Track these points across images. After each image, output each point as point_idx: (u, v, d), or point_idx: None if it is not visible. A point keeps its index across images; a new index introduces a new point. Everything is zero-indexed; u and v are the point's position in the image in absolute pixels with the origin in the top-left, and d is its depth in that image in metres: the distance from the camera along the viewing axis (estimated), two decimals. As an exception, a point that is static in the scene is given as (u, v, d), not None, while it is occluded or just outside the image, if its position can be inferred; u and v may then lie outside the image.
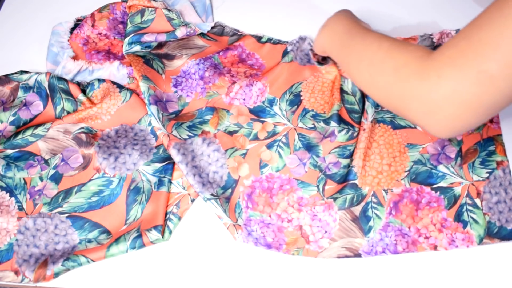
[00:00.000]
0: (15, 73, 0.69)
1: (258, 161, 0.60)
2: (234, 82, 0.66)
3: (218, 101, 0.65)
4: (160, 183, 0.60)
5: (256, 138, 0.62)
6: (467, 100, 0.36)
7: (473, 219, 0.54)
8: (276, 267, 0.55)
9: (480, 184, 0.56)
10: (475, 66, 0.35)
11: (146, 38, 0.68)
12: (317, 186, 0.58)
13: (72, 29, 0.74)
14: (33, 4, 0.81)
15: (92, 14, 0.74)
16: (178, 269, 0.56)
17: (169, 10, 0.71)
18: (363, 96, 0.62)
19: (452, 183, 0.56)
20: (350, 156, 0.59)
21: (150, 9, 0.70)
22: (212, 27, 0.71)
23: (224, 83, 0.66)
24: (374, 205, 0.57)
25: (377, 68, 0.43)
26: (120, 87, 0.67)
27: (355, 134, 0.59)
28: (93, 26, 0.74)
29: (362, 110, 0.62)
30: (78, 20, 0.75)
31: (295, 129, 0.62)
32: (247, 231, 0.56)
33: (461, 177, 0.57)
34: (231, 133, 0.63)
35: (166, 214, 0.59)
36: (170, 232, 0.58)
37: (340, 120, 0.60)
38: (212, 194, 0.58)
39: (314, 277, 0.54)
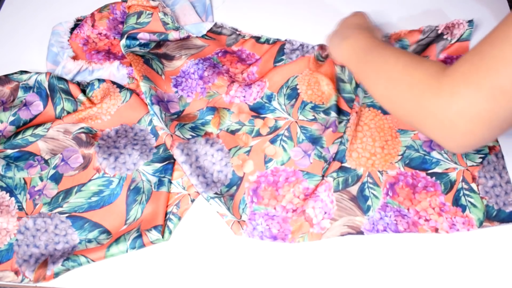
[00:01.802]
0: (15, 73, 0.69)
1: (263, 156, 0.61)
2: (233, 81, 0.66)
3: (218, 101, 0.65)
4: (160, 183, 0.60)
5: (258, 134, 0.63)
6: (481, 116, 0.37)
7: (471, 203, 0.55)
8: (276, 267, 0.55)
9: (474, 169, 0.57)
10: (488, 82, 0.36)
11: (141, 35, 0.68)
12: (322, 176, 0.58)
13: (72, 29, 0.74)
14: (33, 4, 0.81)
15: (92, 14, 0.74)
16: (178, 269, 0.56)
17: (165, 14, 0.71)
18: (357, 85, 0.64)
19: (446, 169, 0.58)
20: (347, 140, 0.60)
21: (147, 12, 0.71)
22: (210, 28, 0.71)
23: (224, 82, 0.66)
24: (371, 185, 0.58)
25: (393, 84, 0.45)
26: (120, 87, 0.67)
27: (348, 118, 0.61)
28: (93, 26, 0.74)
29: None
30: (78, 20, 0.75)
31: (296, 122, 0.62)
32: (252, 226, 0.57)
33: (455, 163, 0.58)
34: (233, 132, 0.63)
35: (166, 214, 0.59)
36: (170, 232, 0.58)
37: (339, 111, 0.62)
38: (216, 193, 0.58)
39: (313, 277, 0.54)
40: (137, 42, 0.69)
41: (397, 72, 0.45)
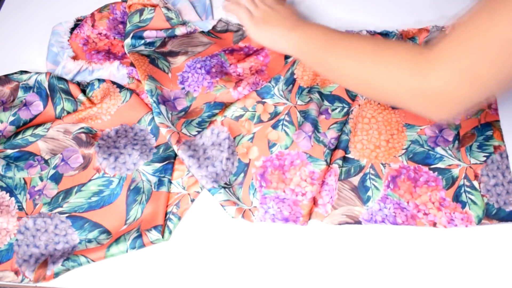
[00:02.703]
0: (15, 73, 0.69)
1: (266, 142, 0.62)
2: (241, 80, 0.66)
3: (226, 96, 0.65)
4: (160, 183, 0.60)
5: (260, 121, 0.63)
6: (459, 95, 0.39)
7: (472, 200, 0.55)
8: (276, 267, 0.55)
9: (477, 167, 0.57)
10: (466, 65, 0.38)
11: (147, 34, 0.68)
12: (325, 161, 0.59)
13: (72, 29, 0.74)
14: (33, 4, 0.81)
15: (92, 14, 0.74)
16: (178, 269, 0.56)
17: (168, 9, 0.71)
18: None
19: (449, 165, 0.58)
20: (350, 131, 0.61)
21: (149, 8, 0.71)
22: (215, 24, 0.71)
23: (231, 79, 0.66)
24: (372, 177, 0.58)
25: (370, 65, 0.45)
26: (120, 87, 0.67)
27: (351, 110, 0.62)
28: (93, 26, 0.74)
29: None
30: (78, 20, 0.75)
31: (295, 107, 0.63)
32: (263, 210, 0.57)
33: (459, 160, 0.58)
34: (237, 118, 0.63)
35: (166, 214, 0.59)
36: (170, 232, 0.58)
37: (335, 99, 0.63)
38: (226, 183, 0.59)
39: (314, 266, 0.54)
40: (143, 41, 0.68)
41: (372, 54, 0.45)
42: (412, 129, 0.61)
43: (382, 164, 0.59)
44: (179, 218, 0.59)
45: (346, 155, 0.60)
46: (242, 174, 0.60)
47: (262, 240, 0.57)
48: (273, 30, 0.59)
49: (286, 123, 0.62)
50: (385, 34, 0.67)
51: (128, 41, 0.68)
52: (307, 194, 0.57)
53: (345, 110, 0.62)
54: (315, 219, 0.57)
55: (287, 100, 0.64)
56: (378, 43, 0.46)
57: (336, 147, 0.60)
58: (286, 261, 0.56)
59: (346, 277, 0.54)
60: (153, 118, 0.64)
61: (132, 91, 0.66)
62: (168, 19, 0.70)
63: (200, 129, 0.63)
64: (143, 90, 0.67)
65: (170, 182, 0.60)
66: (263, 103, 0.64)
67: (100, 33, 0.74)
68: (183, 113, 0.65)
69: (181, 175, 0.61)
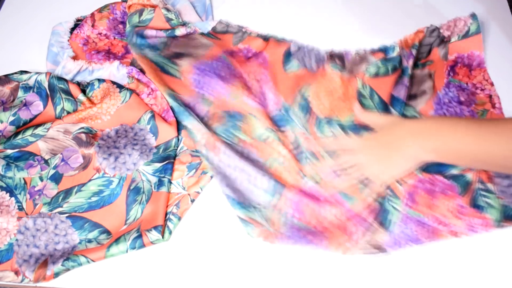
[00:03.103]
0: (15, 73, 0.69)
1: (297, 170, 0.60)
2: (249, 88, 0.65)
3: (242, 105, 0.64)
4: (160, 183, 0.60)
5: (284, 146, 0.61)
6: None
7: (488, 204, 0.55)
8: (276, 267, 0.55)
9: None
10: None
11: (148, 33, 0.68)
12: (360, 196, 0.57)
13: (72, 29, 0.74)
14: (33, 4, 0.81)
15: (92, 14, 0.74)
16: (178, 269, 0.56)
17: (168, 10, 0.71)
18: (382, 102, 0.62)
19: (463, 170, 0.57)
20: None
21: (149, 8, 0.70)
22: (215, 25, 0.71)
23: (242, 85, 0.65)
24: (390, 198, 0.57)
25: None
26: (120, 87, 0.67)
27: None
28: (93, 26, 0.74)
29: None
30: (78, 20, 0.75)
31: (315, 139, 0.61)
32: (289, 239, 0.56)
33: None
34: (265, 140, 0.62)
35: (166, 214, 0.59)
36: (170, 233, 0.58)
37: (359, 128, 0.61)
38: (258, 204, 0.57)
39: (317, 265, 0.54)
40: (145, 42, 0.68)
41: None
42: None
43: (398, 182, 0.57)
44: (179, 219, 0.59)
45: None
46: (278, 196, 0.58)
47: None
48: (389, 163, 0.55)
49: (309, 156, 0.60)
50: (384, 50, 0.66)
51: (135, 40, 0.68)
52: (339, 225, 0.56)
53: None
54: (346, 253, 0.54)
55: (306, 130, 0.62)
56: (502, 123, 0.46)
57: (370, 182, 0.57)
58: (286, 261, 0.56)
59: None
60: (152, 116, 0.64)
61: (132, 91, 0.66)
62: (168, 19, 0.70)
63: (228, 141, 0.62)
64: (143, 90, 0.67)
65: (170, 182, 0.60)
66: (282, 131, 0.62)
67: (100, 33, 0.74)
68: (206, 118, 0.64)
69: (181, 175, 0.61)
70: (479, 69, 0.65)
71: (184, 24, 0.70)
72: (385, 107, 0.62)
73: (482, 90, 0.63)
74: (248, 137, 0.62)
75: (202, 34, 0.71)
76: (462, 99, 0.62)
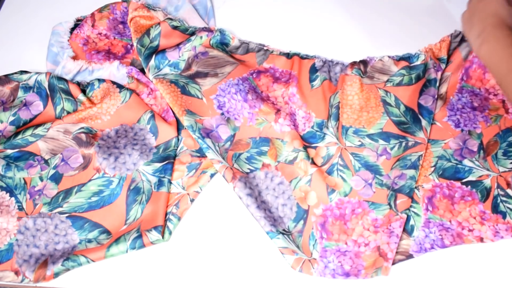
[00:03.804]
0: (15, 73, 0.69)
1: (325, 187, 0.59)
2: (278, 110, 0.64)
3: (269, 130, 0.63)
4: (160, 184, 0.60)
5: (314, 163, 0.60)
6: None
7: (511, 209, 0.55)
8: (276, 267, 0.55)
9: (507, 175, 0.57)
10: None
11: (171, 53, 0.67)
12: (389, 204, 0.57)
13: (72, 29, 0.74)
14: (33, 4, 0.81)
15: (92, 14, 0.74)
16: (178, 269, 0.56)
17: (171, 19, 0.70)
18: (408, 110, 0.61)
19: (480, 176, 0.57)
20: (413, 166, 0.58)
21: (153, 26, 0.69)
22: (237, 47, 0.69)
23: (270, 109, 0.64)
24: (411, 204, 0.57)
25: None
26: (120, 87, 0.67)
27: (410, 143, 0.59)
28: (93, 26, 0.74)
29: (413, 121, 0.61)
30: (78, 20, 0.75)
31: (345, 149, 0.61)
32: (323, 264, 0.55)
33: (488, 169, 0.58)
34: (291, 161, 0.61)
35: (165, 214, 0.59)
36: (170, 233, 0.58)
37: (389, 137, 0.60)
38: (284, 230, 0.57)
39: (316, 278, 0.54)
40: (167, 61, 0.67)
41: None
42: (436, 144, 0.60)
43: (415, 187, 0.58)
44: (179, 219, 0.59)
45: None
46: (302, 222, 0.57)
47: (262, 239, 0.57)
48: (468, 28, 0.56)
49: (341, 167, 0.60)
50: (408, 58, 0.64)
51: (152, 62, 0.67)
52: (370, 244, 0.55)
53: (404, 144, 0.59)
54: (384, 274, 0.53)
55: (337, 139, 0.61)
56: None
57: (400, 190, 0.57)
58: (286, 261, 0.56)
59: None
60: (151, 116, 0.64)
61: (132, 91, 0.66)
62: (175, 27, 0.70)
63: (252, 168, 0.61)
64: (143, 90, 0.67)
65: (170, 182, 0.60)
66: (315, 147, 0.62)
67: (100, 33, 0.74)
68: (229, 143, 0.62)
69: (181, 175, 0.61)
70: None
71: (194, 30, 0.69)
72: (413, 115, 0.61)
73: (495, 95, 0.62)
74: (273, 161, 0.61)
75: (227, 53, 0.69)
76: (475, 104, 0.62)
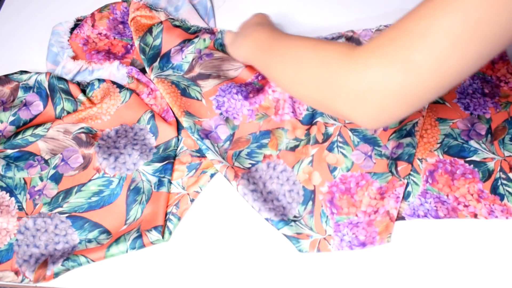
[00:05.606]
0: (15, 73, 0.69)
1: (326, 166, 0.60)
2: (278, 100, 0.64)
3: (270, 123, 0.64)
4: (160, 184, 0.60)
5: (316, 142, 0.61)
6: (393, 90, 0.36)
7: (509, 193, 0.56)
8: (276, 267, 0.55)
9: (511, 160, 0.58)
10: (401, 55, 0.35)
11: (175, 57, 0.67)
12: (390, 171, 0.58)
13: (72, 29, 0.74)
14: (33, 4, 0.81)
15: (92, 14, 0.75)
16: (178, 269, 0.56)
17: (173, 19, 0.70)
18: None
19: (484, 158, 0.58)
20: (409, 134, 0.60)
21: (155, 25, 0.70)
22: None
23: (270, 103, 0.64)
24: (411, 173, 0.58)
25: (302, 65, 0.43)
26: (120, 87, 0.67)
27: (416, 122, 0.61)
28: (93, 26, 0.74)
29: None
30: (78, 20, 0.75)
31: (345, 126, 0.62)
32: (338, 238, 0.55)
33: (493, 153, 0.58)
34: (292, 148, 0.62)
35: (166, 214, 0.59)
36: (170, 233, 0.58)
37: None
38: (295, 216, 0.57)
39: (318, 264, 0.54)
40: (170, 64, 0.67)
41: (306, 54, 0.43)
42: (444, 123, 0.61)
43: (419, 159, 0.59)
44: (179, 219, 0.59)
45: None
46: (311, 202, 0.58)
47: (262, 239, 0.57)
48: (235, 43, 0.59)
49: (340, 144, 0.61)
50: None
51: (156, 64, 0.67)
52: (380, 210, 0.56)
53: None
54: (389, 235, 0.54)
55: (335, 120, 0.62)
56: (316, 43, 0.44)
57: (399, 158, 0.59)
58: (286, 260, 0.56)
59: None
60: (151, 116, 0.64)
61: (132, 91, 0.66)
62: (177, 27, 0.70)
63: (253, 162, 0.61)
64: (143, 90, 0.67)
65: (170, 182, 0.60)
66: (315, 123, 0.62)
67: (100, 33, 0.74)
68: (228, 142, 0.63)
69: (181, 175, 0.61)
70: (502, 62, 0.65)
71: (197, 28, 0.69)
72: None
73: (506, 83, 0.64)
74: (274, 151, 0.62)
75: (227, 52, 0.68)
76: (486, 91, 0.63)
